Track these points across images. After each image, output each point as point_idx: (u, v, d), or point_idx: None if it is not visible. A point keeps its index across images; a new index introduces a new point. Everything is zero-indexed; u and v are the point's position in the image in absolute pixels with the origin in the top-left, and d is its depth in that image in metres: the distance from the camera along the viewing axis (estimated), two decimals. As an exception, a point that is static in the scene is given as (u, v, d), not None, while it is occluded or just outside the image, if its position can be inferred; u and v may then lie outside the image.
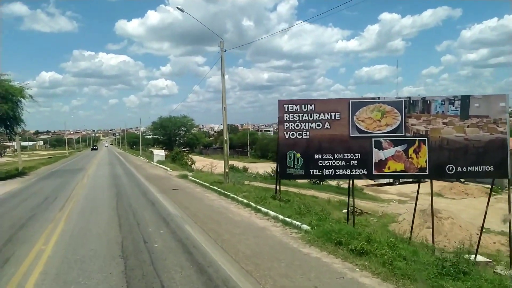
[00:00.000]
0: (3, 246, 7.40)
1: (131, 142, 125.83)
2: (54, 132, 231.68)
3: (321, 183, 29.70)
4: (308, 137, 11.91)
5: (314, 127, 11.89)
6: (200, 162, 42.02)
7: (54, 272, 5.79)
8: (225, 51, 15.14)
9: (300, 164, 11.92)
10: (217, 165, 30.78)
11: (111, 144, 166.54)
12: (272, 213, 10.00)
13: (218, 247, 7.03)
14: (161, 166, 31.76)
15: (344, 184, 30.57)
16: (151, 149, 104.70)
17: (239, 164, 69.02)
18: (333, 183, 29.85)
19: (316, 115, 11.93)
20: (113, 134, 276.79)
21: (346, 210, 18.82)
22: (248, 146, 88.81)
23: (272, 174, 31.35)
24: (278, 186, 12.66)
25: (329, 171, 11.90)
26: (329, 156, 11.83)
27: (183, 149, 41.72)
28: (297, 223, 8.71)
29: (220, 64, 15.16)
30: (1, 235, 8.38)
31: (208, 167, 28.74)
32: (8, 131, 27.78)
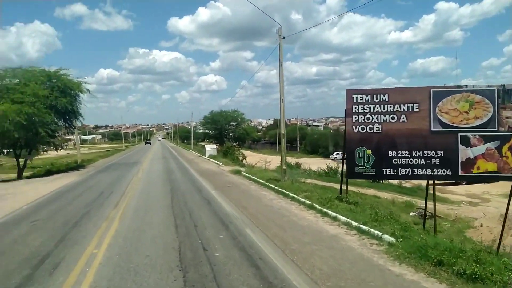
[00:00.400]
0: (54, 247, 6.88)
1: (182, 136, 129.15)
2: (112, 126, 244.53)
3: (381, 181, 27.72)
4: (380, 131, 10.49)
5: (387, 120, 10.45)
6: (251, 157, 41.43)
7: (105, 285, 5.05)
8: (284, 38, 14.01)
9: (371, 162, 10.54)
10: (270, 161, 29.86)
11: (164, 138, 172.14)
12: (342, 218, 8.77)
13: (288, 260, 5.97)
14: (213, 160, 31.43)
15: (406, 183, 28.40)
16: (202, 143, 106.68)
17: (290, 159, 67.91)
18: (394, 181, 27.75)
19: (390, 107, 10.46)
20: (166, 129, 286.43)
21: (414, 213, 17.07)
22: (298, 141, 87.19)
23: (327, 171, 29.87)
24: (345, 187, 11.34)
25: (405, 171, 10.41)
26: (405, 153, 10.36)
27: (234, 144, 41.24)
28: (376, 232, 7.42)
29: (278, 53, 14.05)
30: (55, 233, 7.95)
31: (261, 162, 27.90)
32: (67, 124, 28.78)
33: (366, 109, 10.56)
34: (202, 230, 7.95)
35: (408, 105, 10.32)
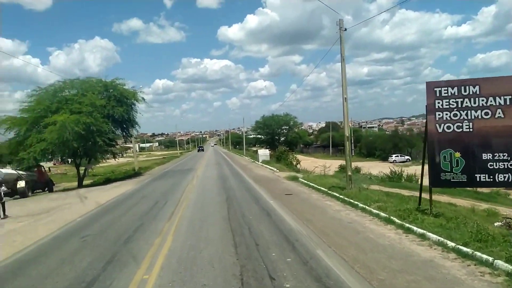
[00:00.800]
0: (102, 270, 6.12)
1: (234, 142, 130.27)
2: (167, 134, 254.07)
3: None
4: (471, 130, 8.83)
5: (480, 116, 8.76)
6: (304, 161, 39.89)
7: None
8: (345, 30, 12.61)
9: (461, 167, 8.88)
10: (330, 166, 28.19)
11: (215, 144, 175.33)
12: (432, 236, 7.19)
13: (381, 298, 4.66)
14: (267, 166, 30.46)
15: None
16: (253, 148, 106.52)
17: (342, 162, 65.02)
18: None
19: (483, 100, 8.76)
20: (218, 135, 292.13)
21: (500, 223, 14.69)
22: (352, 144, 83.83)
23: (391, 176, 27.59)
24: (429, 196, 9.65)
25: (504, 177, 8.67)
26: (504, 156, 8.62)
27: (287, 149, 40.02)
28: (483, 256, 5.83)
29: (340, 46, 12.67)
30: (104, 252, 7.26)
31: (319, 168, 26.37)
32: (124, 133, 29.38)
33: (453, 104, 8.95)
34: (265, 250, 6.83)
35: (506, 97, 8.58)
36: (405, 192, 18.36)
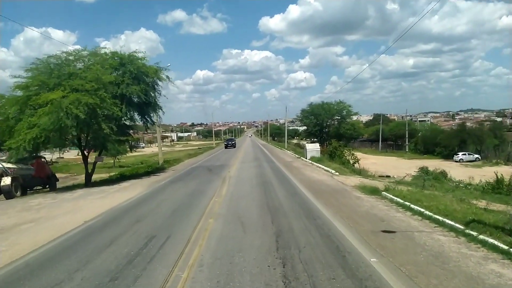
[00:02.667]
0: None
1: (272, 133, 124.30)
2: (206, 124, 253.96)
3: None
4: None
5: None
6: (363, 160, 32.74)
7: None
8: None
9: None
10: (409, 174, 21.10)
11: (252, 135, 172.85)
12: None
13: None
14: (319, 165, 23.84)
15: None
16: (293, 141, 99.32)
17: (404, 161, 56.18)
18: None
19: None
20: (256, 126, 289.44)
21: None
22: (407, 139, 74.74)
23: (497, 185, 19.99)
24: None
25: None
26: None
27: (341, 143, 32.96)
28: None
29: None
30: None
31: (377, 167, 19.46)
32: (144, 119, 23.86)
33: None
34: None
35: None
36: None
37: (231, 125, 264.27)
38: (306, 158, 28.86)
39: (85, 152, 21.66)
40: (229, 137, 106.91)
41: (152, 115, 24.49)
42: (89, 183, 21.44)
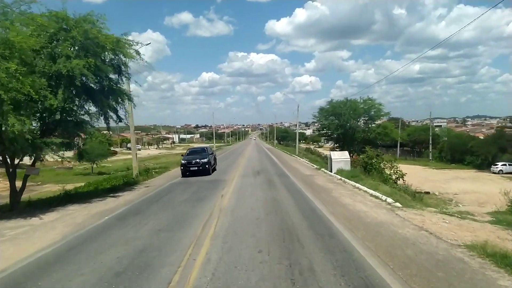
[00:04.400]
0: None
1: (279, 136, 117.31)
2: (211, 126, 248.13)
3: None
4: None
5: None
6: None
7: None
8: None
9: None
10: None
11: (256, 138, 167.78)
12: None
13: None
14: (354, 183, 16.26)
15: None
16: (302, 145, 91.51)
17: (431, 171, 47.76)
18: None
19: None
20: (260, 129, 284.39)
21: None
22: (431, 146, 66.86)
23: None
24: None
25: None
26: None
27: (380, 152, 25.24)
28: None
29: None
30: None
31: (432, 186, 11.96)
32: (103, 112, 16.31)
33: None
34: None
35: None
36: None
37: (235, 127, 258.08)
38: (331, 171, 21.32)
39: (7, 159, 14.30)
40: (233, 139, 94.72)
41: (117, 107, 17.03)
42: (16, 205, 14.17)
